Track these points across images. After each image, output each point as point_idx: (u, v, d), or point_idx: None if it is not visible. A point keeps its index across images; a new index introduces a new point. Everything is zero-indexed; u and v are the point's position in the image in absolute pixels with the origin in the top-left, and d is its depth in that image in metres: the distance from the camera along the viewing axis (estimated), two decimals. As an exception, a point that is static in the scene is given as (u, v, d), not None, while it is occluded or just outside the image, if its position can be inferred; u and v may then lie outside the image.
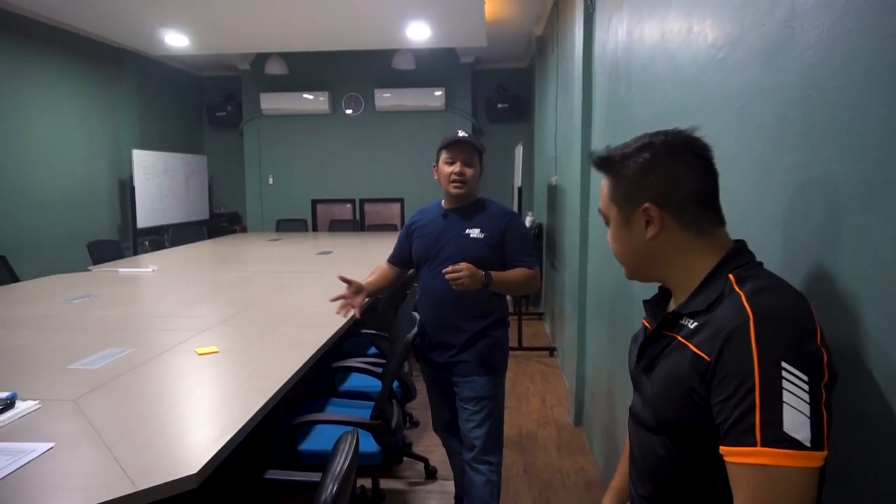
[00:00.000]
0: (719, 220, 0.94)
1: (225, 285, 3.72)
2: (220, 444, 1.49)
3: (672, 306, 1.02)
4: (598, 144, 3.01)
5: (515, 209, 6.14)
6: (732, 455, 0.78)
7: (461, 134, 2.26)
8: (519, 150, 6.13)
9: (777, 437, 0.74)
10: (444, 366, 2.27)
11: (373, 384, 2.71)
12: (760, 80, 1.17)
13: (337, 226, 7.83)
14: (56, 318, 2.86)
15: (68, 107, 5.99)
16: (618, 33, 2.57)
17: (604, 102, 2.89)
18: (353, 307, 2.29)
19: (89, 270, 4.39)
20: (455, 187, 2.23)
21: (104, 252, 5.11)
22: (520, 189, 5.64)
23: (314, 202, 8.35)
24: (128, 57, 6.77)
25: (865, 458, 0.85)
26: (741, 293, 0.83)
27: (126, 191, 6.78)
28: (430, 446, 3.21)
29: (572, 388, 3.57)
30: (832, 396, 0.78)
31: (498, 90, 8.16)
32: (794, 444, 0.74)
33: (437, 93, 7.85)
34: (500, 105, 8.07)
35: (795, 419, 0.74)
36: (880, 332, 0.81)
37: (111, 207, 6.63)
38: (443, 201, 2.35)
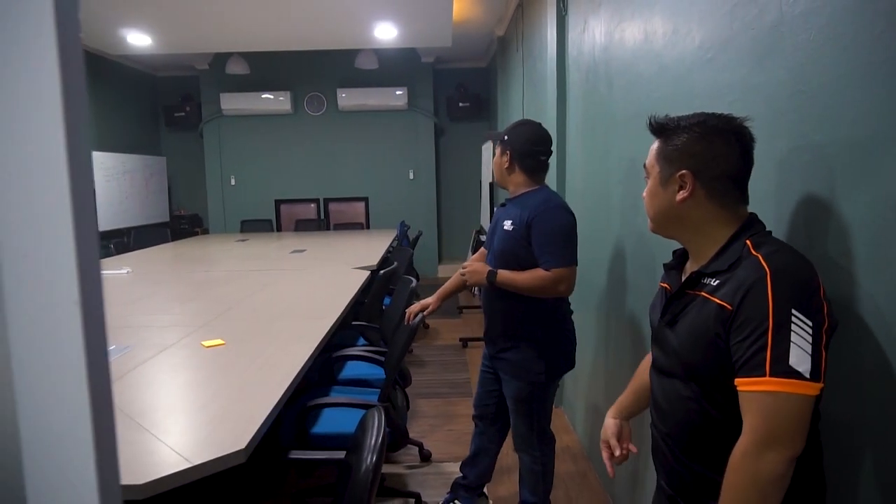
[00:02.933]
0: (743, 199, 1.10)
1: (207, 284, 3.74)
2: (259, 423, 1.57)
3: (688, 268, 1.18)
4: (576, 141, 3.18)
5: (486, 205, 6.28)
6: (745, 384, 0.96)
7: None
8: (488, 147, 6.30)
9: (784, 370, 0.92)
10: (492, 359, 2.30)
11: (369, 372, 2.81)
12: (751, 77, 1.34)
13: (303, 225, 7.83)
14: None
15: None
16: (595, 35, 2.75)
17: (580, 101, 3.07)
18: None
19: (60, 274, 4.30)
20: None
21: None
22: (490, 184, 5.80)
23: (278, 202, 8.32)
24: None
25: (858, 406, 1.03)
26: (758, 255, 1.00)
27: (85, 194, 6.60)
28: (423, 431, 3.33)
29: (551, 372, 3.74)
30: (831, 340, 0.95)
31: (459, 89, 8.31)
32: (796, 374, 0.91)
33: (399, 92, 7.95)
34: (461, 104, 8.23)
35: (799, 356, 0.91)
36: (869, 291, 0.98)
37: (70, 211, 6.45)
38: None
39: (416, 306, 2.37)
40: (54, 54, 0.37)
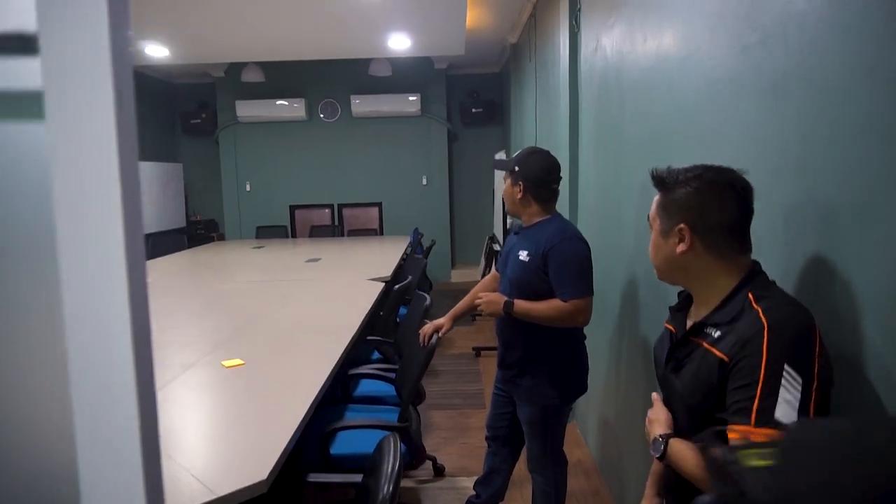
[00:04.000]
0: (743, 249, 1.14)
1: (226, 296, 3.80)
2: (279, 451, 1.62)
3: (693, 313, 1.22)
4: (588, 158, 3.21)
5: (499, 212, 6.31)
6: (732, 431, 0.99)
7: (498, 156, 2.34)
8: (500, 156, 6.32)
9: (768, 420, 0.95)
10: (506, 381, 2.32)
11: (383, 389, 2.85)
12: (759, 120, 1.36)
13: (317, 231, 7.90)
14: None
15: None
16: (607, 54, 2.77)
17: (592, 118, 3.09)
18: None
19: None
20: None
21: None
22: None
23: (292, 208, 8.41)
24: (102, 67, 6.71)
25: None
26: (758, 309, 1.03)
27: (104, 202, 6.72)
28: (436, 444, 3.38)
29: (564, 384, 3.77)
30: (826, 397, 0.98)
31: (471, 95, 8.34)
32: (780, 427, 0.94)
33: (413, 98, 8.00)
34: (474, 110, 8.26)
35: (786, 410, 0.95)
36: (876, 350, 1.01)
37: (90, 219, 6.57)
38: None
39: (429, 327, 2.41)
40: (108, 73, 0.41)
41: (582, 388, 2.30)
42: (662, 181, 1.19)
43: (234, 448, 1.67)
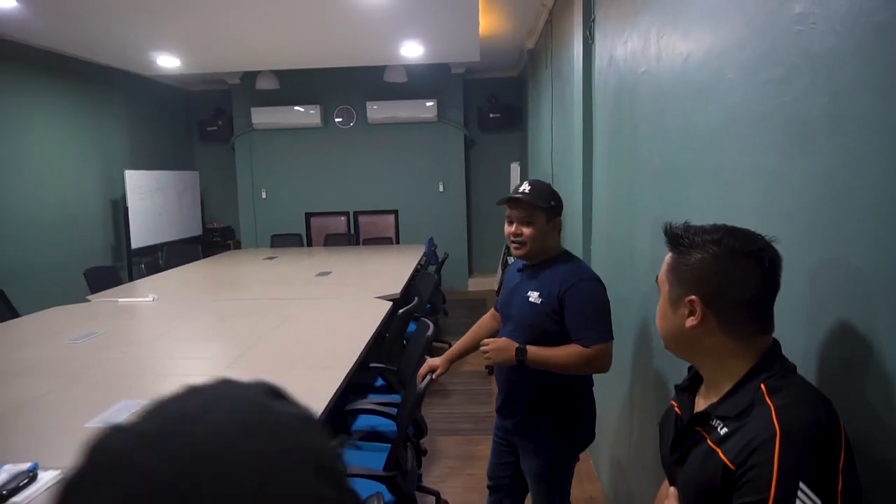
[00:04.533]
0: (764, 329, 0.97)
1: (227, 316, 3.71)
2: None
3: (702, 396, 1.06)
4: (601, 177, 3.04)
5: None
6: None
7: (522, 189, 2.01)
8: (515, 168, 6.16)
9: None
10: (508, 432, 2.15)
11: (385, 423, 2.72)
12: (783, 168, 1.19)
13: (332, 240, 7.81)
14: (64, 362, 2.84)
15: (57, 129, 5.94)
16: (620, 70, 2.60)
17: (605, 137, 2.92)
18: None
19: (88, 301, 4.36)
20: (514, 248, 2.04)
21: (102, 278, 5.08)
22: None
23: (308, 215, 8.34)
24: (117, 76, 6.72)
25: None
26: (771, 406, 0.87)
27: (119, 212, 6.73)
28: (441, 476, 3.24)
29: (578, 411, 3.60)
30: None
31: (490, 100, 8.18)
32: None
33: (429, 104, 7.87)
34: (491, 115, 8.10)
35: None
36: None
37: (104, 229, 6.58)
38: None
39: (424, 368, 2.27)
40: None
41: (590, 438, 2.15)
42: (677, 240, 1.02)
43: None
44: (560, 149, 4.48)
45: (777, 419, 0.85)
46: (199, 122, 8.50)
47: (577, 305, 1.93)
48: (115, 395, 2.36)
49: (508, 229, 2.03)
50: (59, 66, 5.87)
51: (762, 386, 0.91)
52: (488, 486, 2.34)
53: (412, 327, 4.30)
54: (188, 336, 3.33)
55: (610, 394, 2.96)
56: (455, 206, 8.19)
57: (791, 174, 1.16)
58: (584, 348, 1.90)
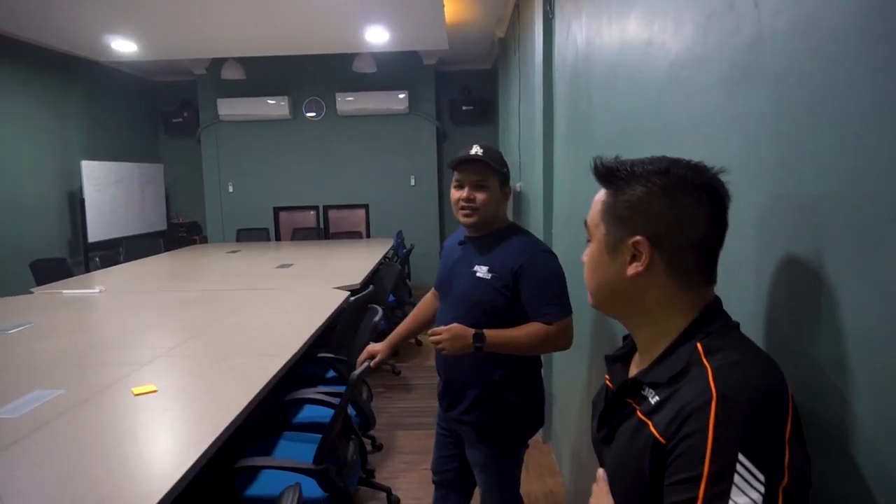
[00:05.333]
0: (708, 279, 0.83)
1: (175, 307, 3.53)
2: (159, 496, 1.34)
3: (635, 366, 0.91)
4: (561, 158, 2.91)
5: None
6: None
7: (473, 150, 1.83)
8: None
9: None
10: (452, 421, 1.98)
11: (330, 414, 2.56)
12: (728, 106, 1.06)
13: (300, 234, 7.63)
14: (-15, 353, 2.65)
15: (11, 118, 5.68)
16: (577, 42, 2.47)
17: (565, 115, 2.79)
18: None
19: (31, 293, 4.14)
20: (464, 215, 1.86)
21: (50, 271, 4.85)
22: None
23: (276, 210, 8.13)
24: (75, 64, 6.46)
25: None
26: (708, 367, 0.73)
27: (75, 203, 6.47)
28: (395, 472, 3.08)
29: (541, 404, 3.47)
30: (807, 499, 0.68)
31: (462, 92, 8.05)
32: None
33: (401, 95, 7.71)
34: (464, 107, 7.96)
35: None
36: (864, 419, 0.71)
37: (60, 222, 6.32)
38: None
39: (363, 355, 2.11)
40: None
41: (540, 422, 2.00)
42: (612, 173, 0.85)
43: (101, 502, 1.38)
44: (526, 136, 4.35)
45: (714, 382, 0.70)
46: (164, 114, 8.25)
47: (537, 281, 1.78)
48: (30, 384, 2.17)
49: (458, 194, 1.86)
50: (11, 51, 5.61)
51: (699, 346, 0.77)
52: (434, 482, 2.19)
53: (383, 325, 4.15)
54: (128, 327, 3.14)
55: (571, 386, 2.83)
56: (427, 201, 8.03)
57: (736, 112, 1.03)
58: (547, 326, 1.76)
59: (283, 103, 7.77)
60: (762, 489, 0.64)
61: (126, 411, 1.95)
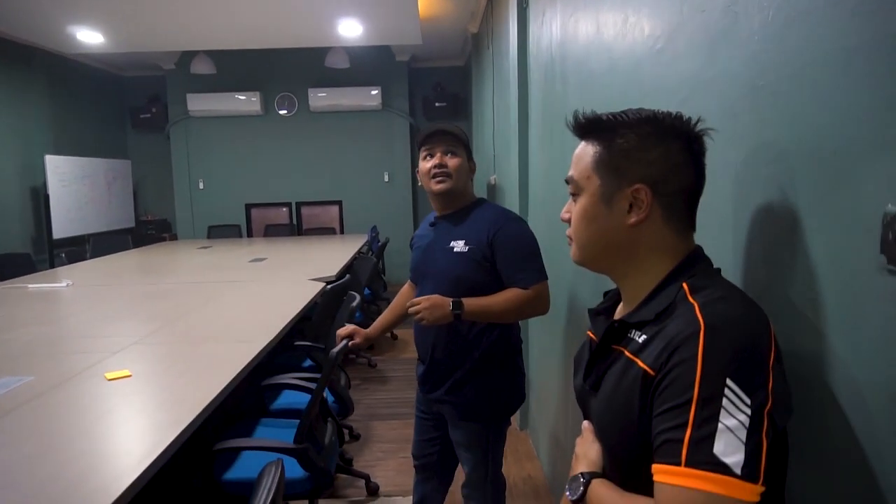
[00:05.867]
0: (693, 224, 0.86)
1: (146, 298, 3.46)
2: (122, 488, 1.31)
3: (621, 314, 0.93)
4: (536, 145, 2.94)
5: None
6: (658, 473, 0.71)
7: (439, 126, 1.88)
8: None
9: (703, 459, 0.67)
10: (431, 401, 1.99)
11: (307, 400, 2.55)
12: (703, 71, 1.09)
13: (273, 231, 7.55)
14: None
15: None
16: (551, 29, 2.50)
17: (540, 101, 2.82)
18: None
19: (-5, 287, 4.02)
20: (438, 181, 1.84)
21: (13, 267, 4.71)
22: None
23: (248, 206, 8.04)
24: (39, 56, 6.30)
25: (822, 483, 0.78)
26: (694, 303, 0.75)
27: (39, 199, 6.31)
28: (372, 461, 3.08)
29: (517, 391, 3.49)
30: (781, 428, 0.71)
31: (435, 89, 8.06)
32: (721, 468, 0.66)
33: (374, 92, 7.69)
34: (437, 104, 7.98)
35: (729, 443, 0.66)
36: (838, 351, 0.74)
37: (23, 218, 6.15)
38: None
39: (345, 330, 2.10)
40: None
41: (522, 398, 2.02)
42: (597, 124, 0.86)
43: (71, 485, 1.35)
44: (500, 128, 4.38)
45: (701, 314, 0.73)
46: (131, 109, 8.09)
47: (511, 247, 1.80)
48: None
49: (429, 163, 1.87)
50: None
51: (684, 285, 0.79)
52: (415, 466, 2.18)
53: (359, 317, 4.14)
54: (99, 317, 3.07)
55: (547, 374, 2.86)
56: (401, 197, 8.03)
57: (711, 71, 1.06)
58: (524, 290, 1.77)
59: (254, 99, 7.69)
60: (748, 412, 0.67)
61: (99, 395, 1.91)
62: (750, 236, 0.94)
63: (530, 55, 3.05)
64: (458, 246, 1.84)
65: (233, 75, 7.59)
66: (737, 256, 0.97)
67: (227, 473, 1.97)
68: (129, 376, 2.06)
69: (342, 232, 7.97)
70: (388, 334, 5.31)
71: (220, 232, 7.57)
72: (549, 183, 2.68)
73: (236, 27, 5.45)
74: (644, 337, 0.80)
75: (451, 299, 1.74)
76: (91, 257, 5.80)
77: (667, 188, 0.82)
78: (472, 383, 1.89)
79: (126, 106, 8.18)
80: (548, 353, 2.89)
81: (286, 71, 7.69)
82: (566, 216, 0.93)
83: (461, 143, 1.87)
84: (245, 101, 7.69)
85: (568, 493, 0.87)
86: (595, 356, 0.90)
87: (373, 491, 2.77)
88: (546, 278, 1.83)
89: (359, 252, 5.49)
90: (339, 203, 8.08)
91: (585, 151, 0.89)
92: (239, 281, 3.99)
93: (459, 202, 1.91)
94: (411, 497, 2.33)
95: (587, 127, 0.88)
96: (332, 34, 5.77)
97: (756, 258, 0.93)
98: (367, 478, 2.80)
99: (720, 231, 1.01)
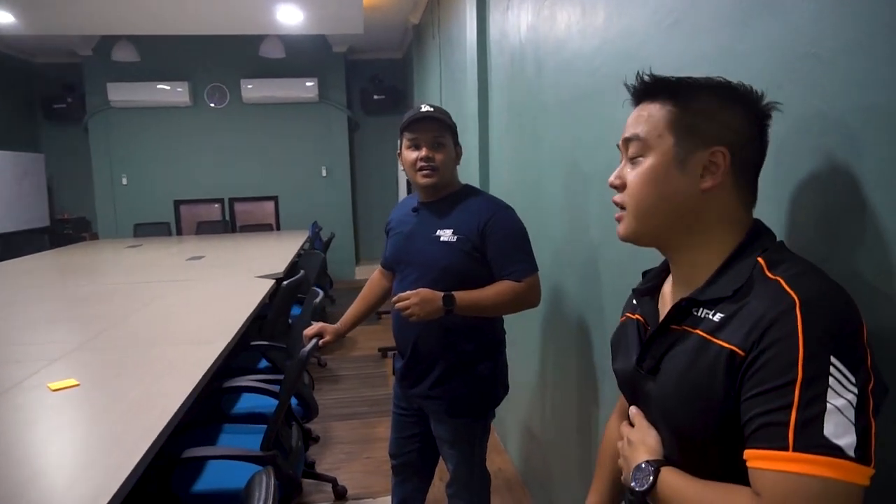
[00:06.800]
0: (755, 199, 0.82)
1: (79, 301, 3.18)
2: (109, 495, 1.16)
3: (670, 293, 0.88)
4: (500, 133, 2.89)
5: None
6: (758, 459, 0.66)
7: (425, 108, 1.75)
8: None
9: (814, 442, 0.62)
10: (413, 397, 1.89)
11: (269, 403, 2.39)
12: (735, 44, 1.06)
13: (205, 228, 7.19)
14: None
15: None
16: (519, 13, 2.46)
17: (505, 88, 2.77)
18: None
19: None
20: (424, 176, 1.76)
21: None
22: (408, 181, 5.45)
23: (177, 203, 7.61)
24: (-66, 38, 5.71)
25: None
26: (778, 279, 0.71)
27: (-60, 196, 5.72)
28: (336, 463, 2.95)
29: (479, 384, 3.44)
30: (880, 409, 0.68)
31: (373, 81, 7.91)
32: (834, 451, 0.61)
33: (310, 83, 7.45)
34: (376, 96, 7.83)
35: (839, 424, 0.62)
36: None
37: (-79, 217, 5.56)
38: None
39: (313, 329, 1.97)
40: None
41: (506, 389, 1.97)
42: (671, 85, 0.80)
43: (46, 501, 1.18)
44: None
45: (791, 289, 0.68)
46: (44, 99, 7.48)
47: (503, 237, 1.73)
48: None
49: (414, 155, 1.76)
50: None
51: (760, 260, 0.74)
52: (393, 466, 2.08)
53: (298, 311, 3.96)
54: (28, 323, 2.78)
55: (517, 363, 2.82)
56: (340, 192, 7.83)
57: (746, 44, 1.03)
58: (517, 283, 1.71)
59: (181, 89, 7.28)
60: (855, 390, 0.63)
61: (45, 408, 1.70)
62: (796, 210, 0.91)
63: (490, 41, 3.00)
64: (446, 235, 1.76)
65: (158, 64, 7.15)
66: (778, 230, 0.94)
67: (194, 486, 1.81)
68: (77, 385, 1.86)
69: (278, 228, 7.69)
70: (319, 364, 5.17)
71: (147, 230, 7.13)
72: (517, 168, 2.63)
73: (162, 11, 5.10)
74: (721, 315, 0.74)
75: (442, 294, 1.66)
76: (1, 259, 5.31)
77: (742, 155, 0.78)
78: (459, 377, 1.81)
79: (37, 95, 7.55)
80: (516, 346, 2.85)
81: (217, 60, 7.33)
82: (617, 181, 0.86)
83: (448, 130, 1.78)
84: (172, 92, 7.27)
85: (633, 483, 0.81)
86: (654, 337, 0.85)
87: (341, 494, 2.65)
88: (537, 270, 1.77)
89: (302, 248, 5.29)
90: (275, 199, 7.79)
91: (654, 110, 0.81)
92: (180, 280, 3.74)
93: (445, 190, 1.82)
94: (381, 499, 2.25)
95: (655, 88, 0.82)
96: (269, 21, 5.52)
97: (809, 232, 0.90)
98: (333, 481, 2.68)
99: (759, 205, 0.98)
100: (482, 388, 1.84)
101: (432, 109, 1.75)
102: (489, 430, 1.95)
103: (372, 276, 2.15)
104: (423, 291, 1.66)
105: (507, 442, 3.06)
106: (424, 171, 1.76)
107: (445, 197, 1.82)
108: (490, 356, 1.85)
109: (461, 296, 1.67)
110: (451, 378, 1.81)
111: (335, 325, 2.02)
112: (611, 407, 1.77)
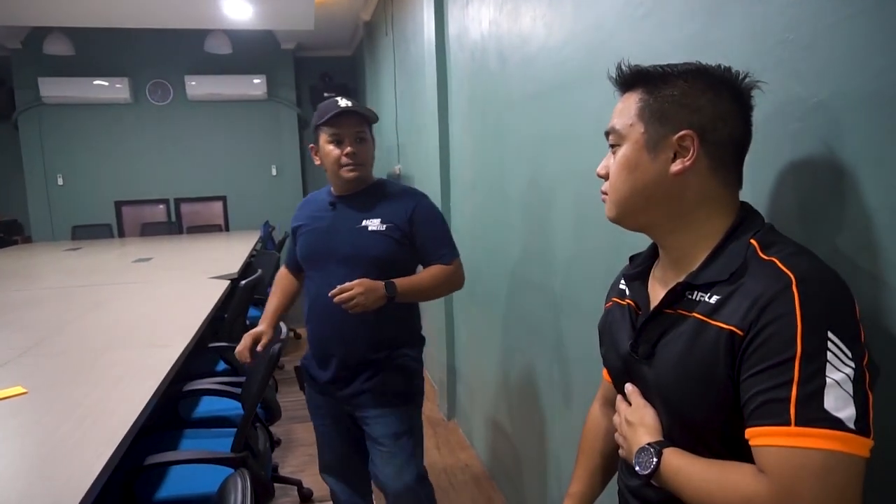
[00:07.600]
0: (741, 180, 0.83)
1: (18, 306, 3.00)
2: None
3: (658, 282, 0.89)
4: (461, 129, 2.89)
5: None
6: (760, 436, 0.67)
7: (343, 103, 1.73)
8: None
9: (816, 416, 0.64)
10: (345, 398, 1.84)
11: (229, 406, 2.33)
12: (708, 32, 1.08)
13: (150, 229, 6.92)
14: None
15: None
16: (480, 11, 2.46)
17: (465, 84, 2.77)
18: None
19: None
20: (349, 170, 1.75)
21: None
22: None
23: (119, 204, 7.30)
24: None
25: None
26: (773, 259, 0.72)
27: None
28: (300, 464, 2.89)
29: (442, 380, 3.44)
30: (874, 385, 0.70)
31: (323, 79, 7.79)
32: (836, 423, 0.64)
33: (257, 80, 7.27)
34: (326, 94, 7.70)
35: (839, 398, 0.64)
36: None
37: None
38: (331, 187, 1.88)
39: (245, 341, 1.89)
40: None
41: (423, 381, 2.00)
42: (642, 74, 0.82)
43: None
44: (407, 116, 4.29)
45: (787, 268, 0.70)
46: (-33, 95, 7.03)
47: (431, 224, 1.82)
48: None
49: (338, 150, 1.75)
50: None
51: (753, 242, 0.76)
52: (330, 482, 2.04)
53: (255, 313, 3.86)
54: (-40, 330, 2.61)
55: (478, 357, 2.83)
56: (290, 191, 7.66)
57: (719, 32, 1.05)
58: (447, 266, 1.81)
59: (120, 86, 6.97)
60: (853, 364, 0.65)
61: (-9, 418, 1.59)
62: (778, 192, 0.94)
63: (449, 37, 2.99)
64: (374, 225, 1.77)
65: (95, 58, 6.83)
66: (775, 211, 0.96)
67: (159, 493, 1.73)
68: (25, 393, 1.75)
69: (227, 229, 7.48)
70: (292, 333, 5.06)
71: (87, 232, 6.81)
72: (481, 161, 2.63)
73: (99, 2, 4.88)
74: (717, 297, 0.75)
75: (384, 281, 1.68)
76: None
77: (714, 136, 0.79)
78: (393, 365, 1.82)
79: (-40, 91, 7.10)
80: (477, 340, 2.86)
81: (159, 55, 7.05)
82: (602, 171, 0.88)
83: (367, 123, 1.80)
84: (110, 88, 6.96)
85: (637, 467, 0.81)
86: (648, 322, 0.85)
87: (306, 497, 2.59)
88: (459, 254, 1.87)
89: (255, 249, 5.17)
90: (224, 199, 7.57)
91: (629, 101, 0.84)
92: (127, 283, 3.58)
93: (365, 182, 1.84)
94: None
95: (632, 78, 0.84)
96: (216, 15, 5.36)
97: (789, 213, 0.92)
98: (298, 484, 2.62)
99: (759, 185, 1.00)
100: (413, 371, 1.87)
101: (351, 104, 1.74)
102: (421, 417, 1.94)
103: (280, 273, 2.10)
104: (366, 281, 1.66)
105: (472, 438, 3.06)
106: (349, 167, 1.76)
107: (365, 190, 1.83)
108: (417, 344, 1.91)
109: (401, 282, 1.71)
110: (382, 369, 1.81)
111: (264, 324, 1.95)
112: (577, 395, 1.80)
